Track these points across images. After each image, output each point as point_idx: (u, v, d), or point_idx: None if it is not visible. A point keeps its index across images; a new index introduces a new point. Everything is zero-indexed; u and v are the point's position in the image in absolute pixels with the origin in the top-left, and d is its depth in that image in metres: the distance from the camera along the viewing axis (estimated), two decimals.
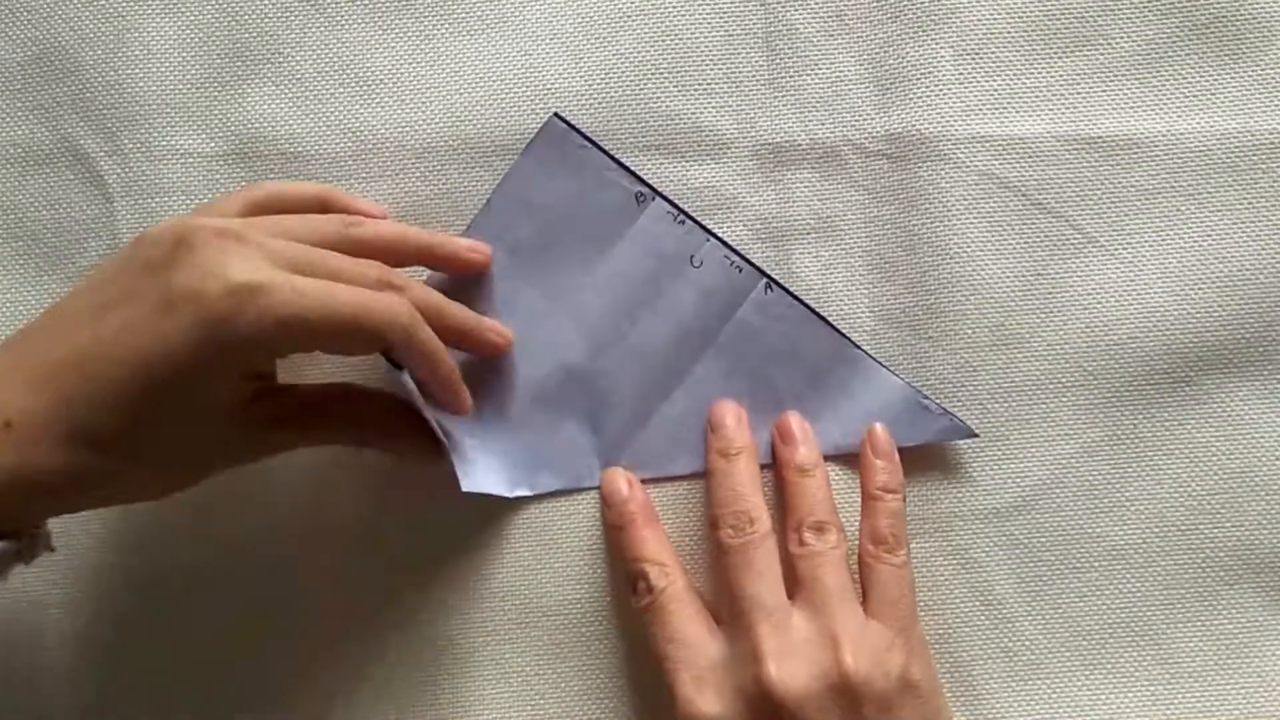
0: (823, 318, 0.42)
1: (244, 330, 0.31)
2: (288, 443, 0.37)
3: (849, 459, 0.41)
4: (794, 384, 0.41)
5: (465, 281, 0.41)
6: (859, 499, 0.40)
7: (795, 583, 0.38)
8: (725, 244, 0.42)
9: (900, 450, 0.41)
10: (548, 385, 0.42)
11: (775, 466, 0.41)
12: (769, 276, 0.42)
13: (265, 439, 0.37)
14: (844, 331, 0.42)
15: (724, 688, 0.36)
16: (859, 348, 0.41)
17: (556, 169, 0.42)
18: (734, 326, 0.42)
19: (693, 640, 0.37)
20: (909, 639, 0.37)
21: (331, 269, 0.34)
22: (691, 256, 0.42)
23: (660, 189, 0.42)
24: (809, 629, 0.36)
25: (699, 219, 0.42)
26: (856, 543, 0.40)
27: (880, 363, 0.41)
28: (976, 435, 0.41)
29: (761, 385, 0.41)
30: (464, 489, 0.38)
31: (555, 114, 0.42)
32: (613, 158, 0.42)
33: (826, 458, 0.41)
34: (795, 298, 0.42)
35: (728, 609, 0.38)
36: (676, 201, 0.42)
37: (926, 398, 0.41)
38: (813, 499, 0.39)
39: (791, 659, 0.35)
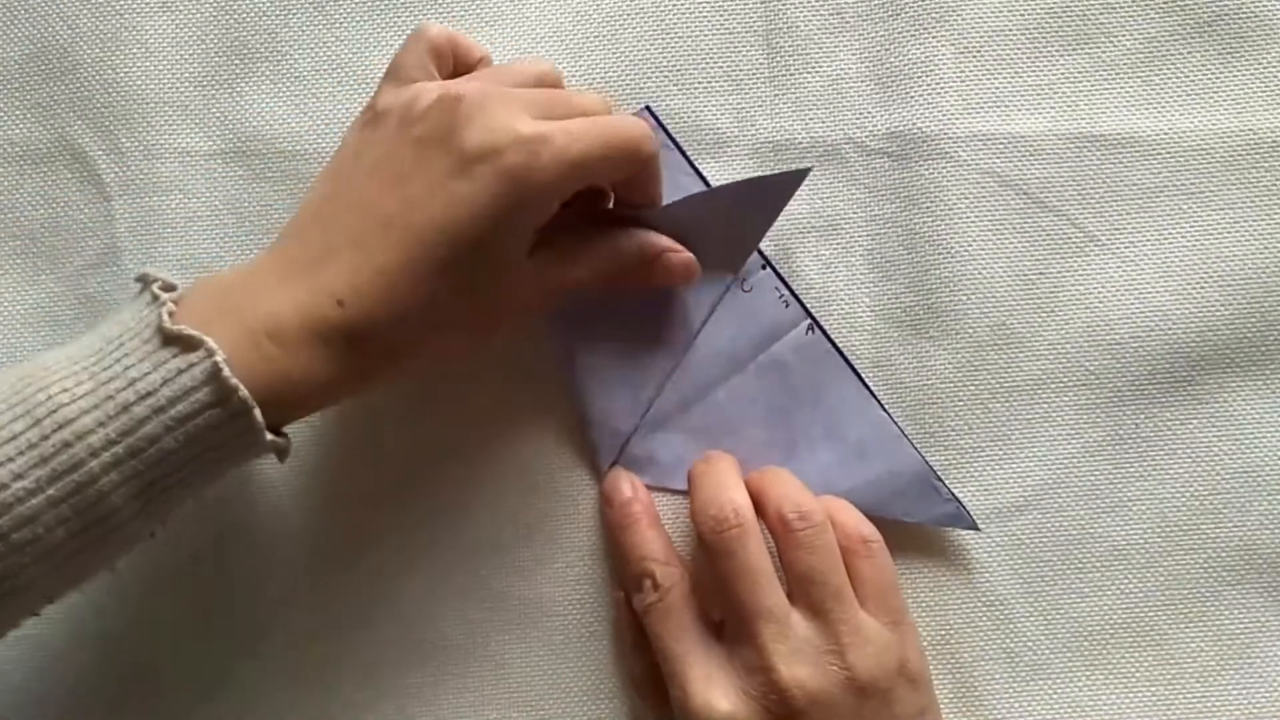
0: (858, 374, 0.41)
1: (540, 178, 0.33)
2: (576, 280, 0.37)
3: None
4: (810, 428, 0.41)
5: None
6: None
7: (788, 576, 0.37)
8: (780, 275, 0.41)
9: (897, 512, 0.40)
10: (598, 359, 0.41)
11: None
12: (814, 318, 0.41)
13: (558, 280, 0.37)
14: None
15: (730, 689, 0.36)
16: (886, 411, 0.41)
17: None
18: (767, 358, 0.41)
19: (700, 640, 0.37)
20: (901, 630, 0.37)
21: (575, 107, 0.36)
22: (744, 280, 0.41)
23: None
24: (810, 629, 0.36)
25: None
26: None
27: (903, 432, 0.41)
28: (979, 529, 0.41)
29: (779, 420, 0.41)
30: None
31: (646, 106, 0.42)
32: (691, 164, 0.41)
33: None
34: (836, 348, 0.41)
35: (725, 611, 0.37)
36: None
37: (940, 480, 0.40)
38: (785, 487, 0.38)
39: (799, 661, 0.35)
